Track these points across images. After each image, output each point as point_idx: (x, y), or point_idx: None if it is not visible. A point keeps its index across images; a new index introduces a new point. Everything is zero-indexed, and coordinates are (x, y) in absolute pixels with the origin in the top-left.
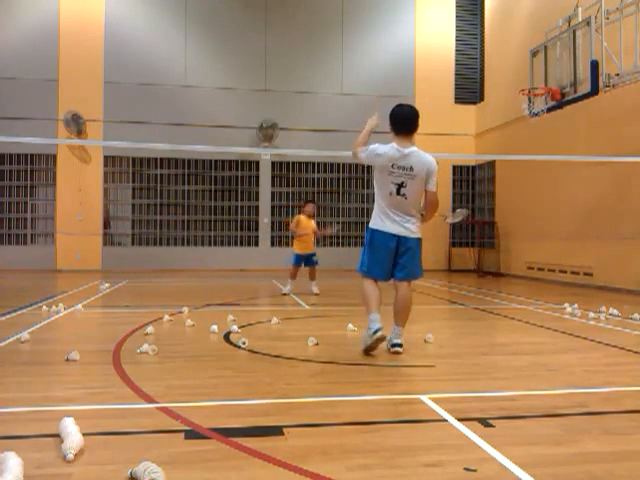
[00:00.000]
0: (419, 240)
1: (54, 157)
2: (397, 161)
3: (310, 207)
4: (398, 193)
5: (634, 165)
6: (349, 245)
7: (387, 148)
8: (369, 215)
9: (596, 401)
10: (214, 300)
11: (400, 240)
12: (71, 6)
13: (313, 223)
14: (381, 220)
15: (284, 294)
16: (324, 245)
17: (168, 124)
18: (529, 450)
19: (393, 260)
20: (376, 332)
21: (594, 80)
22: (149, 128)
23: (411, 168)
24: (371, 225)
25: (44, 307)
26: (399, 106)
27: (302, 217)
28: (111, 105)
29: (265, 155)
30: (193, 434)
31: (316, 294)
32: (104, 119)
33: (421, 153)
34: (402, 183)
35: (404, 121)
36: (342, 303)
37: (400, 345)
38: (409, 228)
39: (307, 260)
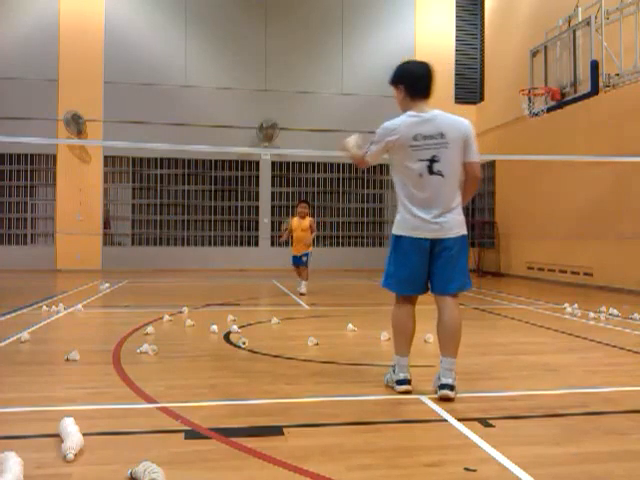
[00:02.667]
0: (463, 238)
1: (54, 157)
2: (420, 129)
3: (300, 207)
4: (431, 171)
5: (634, 165)
6: (349, 245)
7: (402, 118)
8: (369, 215)
9: (596, 401)
10: (214, 300)
11: (434, 243)
12: (71, 6)
13: (307, 222)
14: (408, 222)
15: (302, 294)
16: (324, 245)
17: (168, 124)
18: (529, 450)
19: (428, 266)
20: (402, 383)
21: (594, 80)
22: (149, 128)
23: (442, 135)
24: (395, 231)
25: (44, 307)
26: (409, 63)
27: (294, 219)
28: (111, 105)
29: (265, 155)
30: (193, 434)
31: (301, 294)
32: (104, 119)
33: (450, 115)
34: (434, 157)
35: (421, 80)
36: (342, 303)
37: (452, 388)
38: (449, 223)
39: (298, 261)
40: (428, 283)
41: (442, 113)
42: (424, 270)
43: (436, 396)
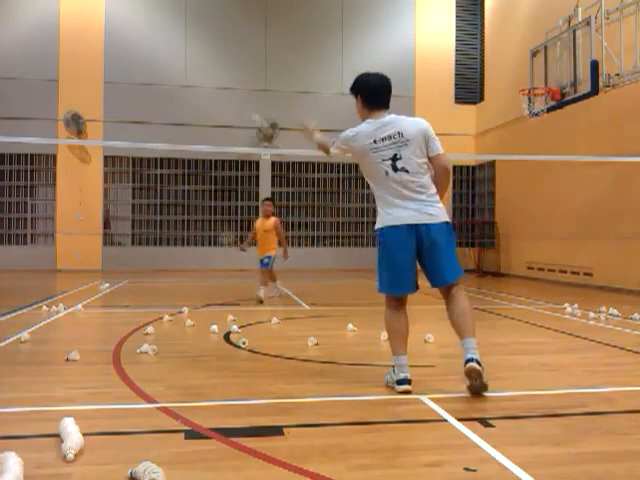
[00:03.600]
0: (448, 225)
1: (54, 157)
2: (378, 133)
3: (264, 205)
4: (395, 169)
5: (634, 165)
6: (349, 245)
7: (361, 126)
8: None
9: (596, 401)
10: (214, 300)
11: (420, 230)
12: (71, 6)
13: (271, 222)
14: (388, 213)
15: (260, 301)
16: (324, 245)
17: (168, 124)
18: (529, 450)
19: (417, 261)
20: (402, 383)
21: (594, 80)
22: (149, 128)
23: (400, 134)
24: (377, 225)
25: (44, 307)
26: (367, 75)
27: (258, 220)
28: (111, 105)
29: (265, 155)
30: (193, 434)
31: (259, 301)
32: (104, 119)
33: (406, 117)
34: (395, 155)
35: (377, 92)
36: (342, 303)
37: (478, 362)
38: (429, 211)
39: (260, 262)
40: (418, 280)
41: (399, 116)
42: (412, 263)
43: (463, 372)
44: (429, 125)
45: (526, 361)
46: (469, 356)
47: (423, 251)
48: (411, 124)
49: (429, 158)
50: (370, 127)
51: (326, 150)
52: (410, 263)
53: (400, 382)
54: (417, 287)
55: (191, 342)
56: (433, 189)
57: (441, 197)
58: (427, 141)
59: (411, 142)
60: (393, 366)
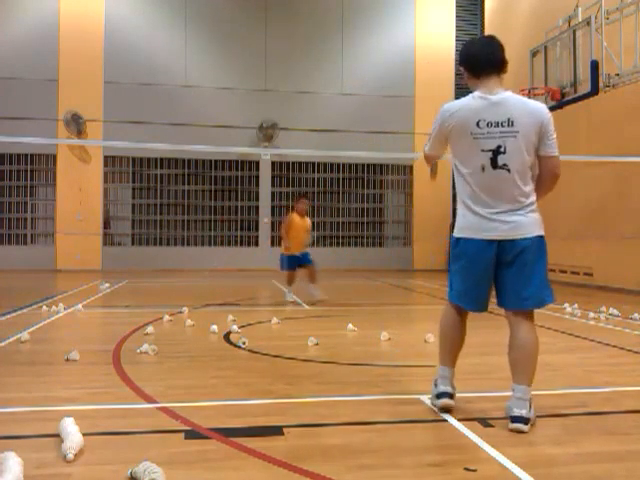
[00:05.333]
0: (540, 240)
1: (54, 157)
2: (485, 114)
3: (303, 204)
4: (495, 165)
5: (634, 165)
6: (349, 245)
7: (465, 100)
8: (369, 215)
9: (596, 401)
10: (214, 300)
11: (502, 245)
12: (71, 6)
13: (308, 222)
14: (469, 222)
15: (291, 301)
16: (323, 245)
17: (168, 124)
18: (529, 450)
19: (494, 276)
20: (440, 397)
21: (594, 80)
22: (149, 128)
23: (510, 122)
24: (456, 233)
25: (44, 307)
26: (472, 41)
27: (295, 216)
28: (111, 105)
29: (265, 155)
30: (193, 434)
31: (320, 300)
32: (104, 119)
33: (523, 98)
34: (499, 148)
35: (486, 55)
36: (342, 303)
37: (526, 421)
38: (518, 223)
39: (302, 260)
40: (488, 300)
41: (514, 96)
42: (487, 280)
43: (508, 428)
44: (550, 115)
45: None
46: (517, 413)
47: (502, 266)
48: (527, 110)
49: (539, 157)
50: (476, 104)
51: (425, 157)
52: (485, 276)
53: (439, 395)
54: (487, 307)
55: (191, 342)
56: (533, 195)
57: (538, 199)
58: (542, 137)
59: (522, 135)
60: (436, 379)
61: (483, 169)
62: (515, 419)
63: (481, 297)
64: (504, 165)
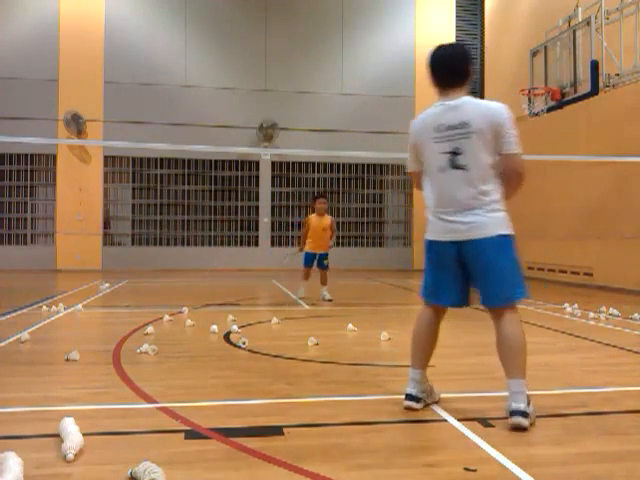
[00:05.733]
0: (501, 238)
1: (54, 157)
2: (443, 119)
3: (321, 203)
4: (453, 166)
5: (634, 165)
6: (349, 245)
7: (428, 109)
8: (369, 215)
9: (596, 401)
10: (214, 300)
11: (462, 246)
12: (71, 6)
13: (328, 220)
14: (432, 223)
15: (301, 297)
16: None
17: (168, 124)
18: (529, 450)
19: (464, 276)
20: (405, 398)
21: (594, 80)
22: (149, 128)
23: (465, 123)
24: (425, 235)
25: (44, 307)
26: (436, 48)
27: (312, 217)
28: (111, 105)
29: (265, 155)
30: (193, 434)
31: (329, 300)
32: (104, 119)
33: (480, 101)
34: (456, 149)
35: (441, 66)
36: (342, 303)
37: (524, 414)
38: (477, 223)
39: (318, 262)
40: (468, 295)
41: (471, 99)
42: (453, 279)
43: (509, 424)
44: (507, 113)
45: (526, 361)
46: (514, 407)
47: (469, 266)
48: (481, 111)
49: (499, 155)
50: (435, 111)
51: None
52: (450, 275)
53: (405, 396)
54: (463, 302)
55: (191, 342)
56: (494, 193)
57: (506, 199)
58: (498, 135)
59: (477, 135)
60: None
61: (443, 170)
62: (513, 413)
63: (455, 292)
64: (461, 165)
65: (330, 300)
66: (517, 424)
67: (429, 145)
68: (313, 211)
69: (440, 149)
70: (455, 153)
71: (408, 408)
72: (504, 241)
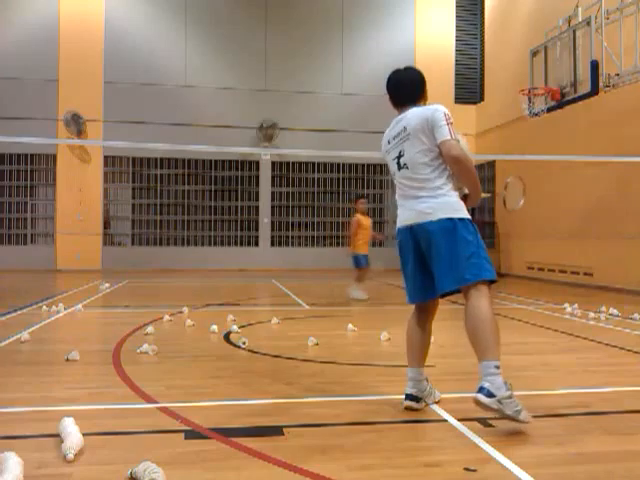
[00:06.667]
0: (450, 221)
1: (54, 157)
2: (392, 132)
3: (363, 204)
4: (399, 167)
5: (634, 165)
6: (348, 245)
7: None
8: (369, 215)
9: (596, 401)
10: (214, 300)
11: (415, 231)
12: (71, 6)
13: (370, 221)
14: (398, 214)
15: (360, 299)
16: (323, 245)
17: (168, 124)
18: (529, 450)
19: (426, 266)
20: (405, 398)
21: (594, 80)
22: (149, 128)
23: (404, 128)
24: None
25: (44, 307)
26: (393, 73)
27: (361, 218)
28: (111, 105)
29: (265, 155)
30: (193, 434)
31: (362, 299)
32: (104, 119)
33: (419, 108)
34: (400, 152)
35: (394, 89)
36: (342, 303)
37: (488, 393)
38: (425, 208)
39: (366, 260)
40: (430, 288)
41: (413, 109)
42: (418, 269)
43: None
44: (438, 110)
45: (526, 361)
46: (479, 384)
47: (425, 253)
48: (415, 114)
49: (437, 147)
50: (389, 128)
51: None
52: (415, 266)
53: (405, 397)
54: (432, 295)
55: (191, 342)
56: (439, 180)
57: (472, 194)
58: (431, 129)
59: (412, 134)
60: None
61: (395, 174)
62: (477, 391)
63: (418, 286)
64: (404, 164)
65: (364, 300)
66: (476, 400)
67: (387, 156)
68: (356, 212)
69: (392, 156)
70: (400, 156)
71: (408, 408)
72: (452, 224)
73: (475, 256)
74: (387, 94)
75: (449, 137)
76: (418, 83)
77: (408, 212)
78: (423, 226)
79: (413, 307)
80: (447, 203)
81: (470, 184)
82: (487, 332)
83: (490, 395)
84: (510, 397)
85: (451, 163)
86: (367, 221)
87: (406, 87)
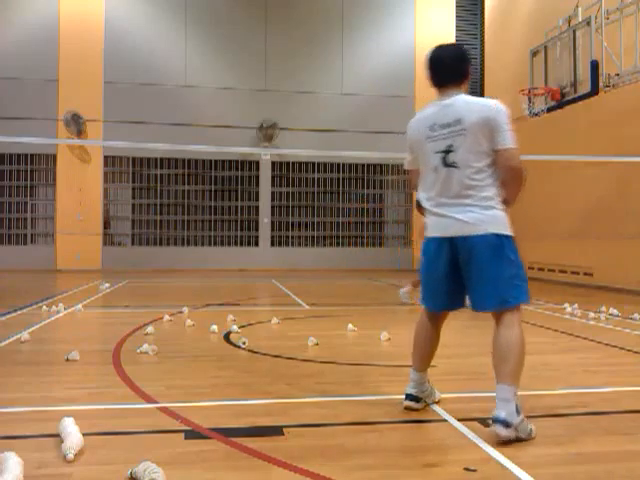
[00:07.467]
0: (497, 237)
1: (54, 157)
2: (437, 118)
3: None
4: (445, 163)
5: (634, 165)
6: (349, 245)
7: (424, 108)
8: (369, 215)
9: (596, 401)
10: (214, 300)
11: (456, 243)
12: (71, 6)
13: None
14: (429, 220)
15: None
16: (323, 245)
17: (168, 124)
18: (529, 450)
19: (457, 278)
20: (405, 398)
21: (594, 80)
22: (149, 128)
23: (458, 120)
24: (425, 234)
25: (44, 307)
26: (434, 48)
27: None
28: (111, 105)
29: (265, 155)
30: (193, 434)
31: (408, 303)
32: (104, 119)
33: (473, 98)
34: (449, 147)
35: (438, 65)
36: (342, 303)
37: (506, 424)
38: (470, 219)
39: None
40: (460, 298)
41: (465, 97)
42: (445, 281)
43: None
44: (502, 111)
45: (526, 361)
46: (495, 414)
47: (462, 266)
48: (474, 108)
49: (494, 151)
50: (430, 110)
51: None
52: (444, 275)
53: (405, 397)
54: (456, 305)
55: (191, 342)
56: (488, 190)
57: (510, 200)
58: (492, 131)
59: (470, 132)
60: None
61: (436, 170)
62: (494, 421)
63: (440, 296)
64: (453, 163)
65: (410, 304)
66: (495, 433)
67: (424, 145)
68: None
69: (434, 148)
70: (448, 151)
71: (408, 408)
72: (499, 241)
73: (517, 277)
74: (428, 72)
75: (511, 145)
76: (462, 61)
77: (448, 220)
78: (467, 239)
79: (424, 312)
80: (496, 217)
81: (514, 197)
82: (517, 357)
83: (507, 425)
84: (522, 420)
85: (506, 172)
86: None
87: (448, 65)
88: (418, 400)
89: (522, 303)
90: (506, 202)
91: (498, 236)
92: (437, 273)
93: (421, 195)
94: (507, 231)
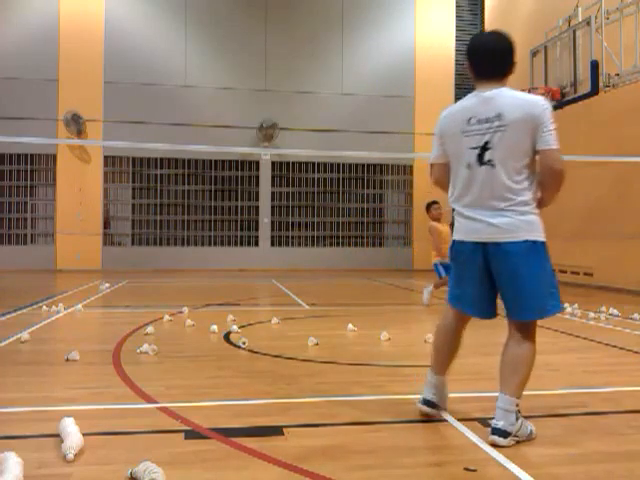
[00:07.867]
0: (533, 244)
1: (54, 157)
2: (476, 111)
3: (439, 209)
4: (481, 161)
5: (634, 165)
6: (349, 245)
7: (462, 100)
8: (369, 215)
9: (596, 401)
10: (214, 300)
11: (488, 250)
12: (71, 6)
13: (447, 227)
14: (459, 222)
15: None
16: (323, 245)
17: (168, 124)
18: (529, 450)
19: (490, 284)
20: (421, 402)
21: (594, 80)
22: (149, 128)
23: (499, 115)
24: (453, 236)
25: (44, 307)
26: (478, 36)
27: (438, 225)
28: (111, 105)
29: (265, 155)
30: (193, 434)
31: (425, 305)
32: (104, 119)
33: (516, 93)
34: (486, 143)
35: (480, 56)
36: (342, 303)
37: (504, 434)
38: (504, 224)
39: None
40: (494, 307)
41: (507, 91)
42: (478, 287)
43: (488, 439)
44: (547, 108)
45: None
46: (494, 424)
47: (495, 273)
48: (517, 103)
49: (535, 151)
50: (469, 102)
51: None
52: (476, 281)
53: (420, 401)
54: (490, 313)
55: (191, 342)
56: (526, 194)
57: (546, 202)
58: (535, 130)
59: (512, 128)
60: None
61: (470, 167)
62: (492, 431)
63: (479, 302)
64: (489, 161)
65: (427, 305)
66: (492, 442)
67: (458, 139)
68: (433, 219)
69: (469, 143)
70: (485, 148)
71: (424, 414)
72: (535, 247)
73: (552, 285)
74: (468, 62)
75: (556, 145)
76: (508, 53)
77: (480, 225)
78: (501, 246)
79: (448, 312)
80: (532, 223)
81: (551, 199)
82: (528, 371)
83: (505, 435)
84: (521, 425)
85: (547, 174)
86: (445, 228)
87: (492, 56)
88: (435, 406)
89: (556, 312)
90: (541, 204)
91: (534, 243)
92: (473, 277)
93: (450, 193)
94: (542, 237)
